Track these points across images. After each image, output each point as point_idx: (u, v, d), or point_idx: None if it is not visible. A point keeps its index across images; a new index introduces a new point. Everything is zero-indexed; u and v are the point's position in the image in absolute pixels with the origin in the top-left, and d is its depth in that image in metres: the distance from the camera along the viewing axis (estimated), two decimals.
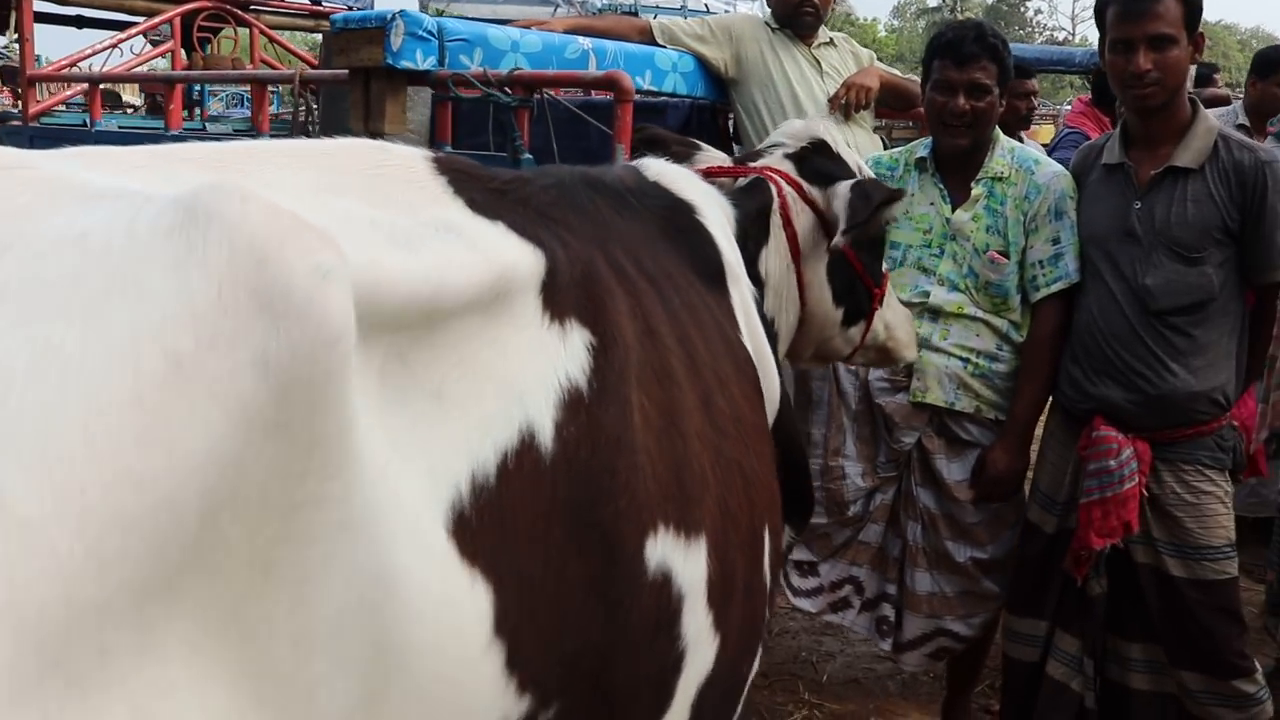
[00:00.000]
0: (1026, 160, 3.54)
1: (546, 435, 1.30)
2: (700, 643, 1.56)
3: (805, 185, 2.59)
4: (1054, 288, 3.43)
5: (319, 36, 8.11)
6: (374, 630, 1.06)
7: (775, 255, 2.53)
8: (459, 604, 1.17)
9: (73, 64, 5.81)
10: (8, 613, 0.77)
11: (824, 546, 3.79)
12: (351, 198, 1.27)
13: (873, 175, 2.85)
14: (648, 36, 4.37)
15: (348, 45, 3.43)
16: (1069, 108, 9.30)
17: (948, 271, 3.52)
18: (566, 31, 4.06)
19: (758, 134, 4.41)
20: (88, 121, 5.38)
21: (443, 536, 1.16)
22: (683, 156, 2.61)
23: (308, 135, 3.90)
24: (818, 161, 2.65)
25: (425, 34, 3.35)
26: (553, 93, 3.34)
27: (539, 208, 1.58)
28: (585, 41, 3.86)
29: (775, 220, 2.53)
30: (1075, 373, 3.37)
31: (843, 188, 2.56)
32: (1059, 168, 3.53)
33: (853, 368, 3.60)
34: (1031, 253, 3.45)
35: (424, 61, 3.35)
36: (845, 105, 4.31)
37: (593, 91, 4.75)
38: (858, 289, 2.76)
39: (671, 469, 1.52)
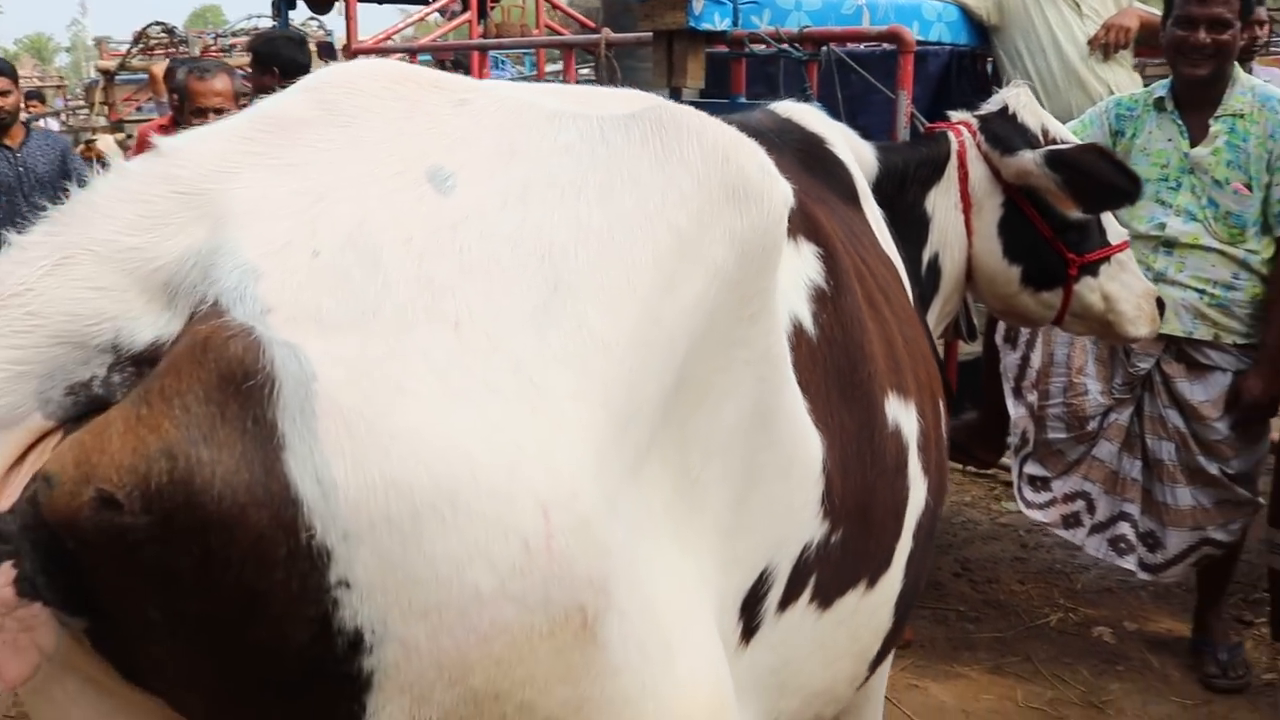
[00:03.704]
0: (1269, 98, 3.74)
1: (809, 322, 1.68)
2: (917, 482, 1.97)
3: (983, 141, 2.97)
4: None
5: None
6: (749, 448, 1.42)
7: (943, 195, 2.93)
8: (806, 442, 1.57)
9: (387, 38, 6.58)
10: (605, 405, 1.09)
11: (1057, 463, 4.11)
12: None
13: (1069, 138, 3.11)
14: None
15: (653, 10, 3.95)
16: None
17: (1186, 203, 3.77)
18: None
19: (1021, 76, 4.70)
20: None
21: (796, 386, 1.55)
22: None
23: None
24: (997, 124, 3.02)
25: None
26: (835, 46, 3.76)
27: None
28: None
29: (952, 163, 2.94)
30: None
31: (1028, 158, 2.90)
32: None
33: None
34: (1278, 189, 3.67)
35: (720, 23, 3.83)
36: (1104, 46, 4.56)
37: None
38: (1043, 252, 3.01)
39: (885, 346, 1.92)
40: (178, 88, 4.53)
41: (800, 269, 1.75)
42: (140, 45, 13.57)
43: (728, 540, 1.41)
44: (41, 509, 0.94)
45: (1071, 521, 4.10)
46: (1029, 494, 4.16)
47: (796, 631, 1.65)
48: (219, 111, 4.39)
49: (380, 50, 6.74)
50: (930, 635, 4.38)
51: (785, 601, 1.59)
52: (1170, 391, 3.85)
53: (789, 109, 2.47)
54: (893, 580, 1.92)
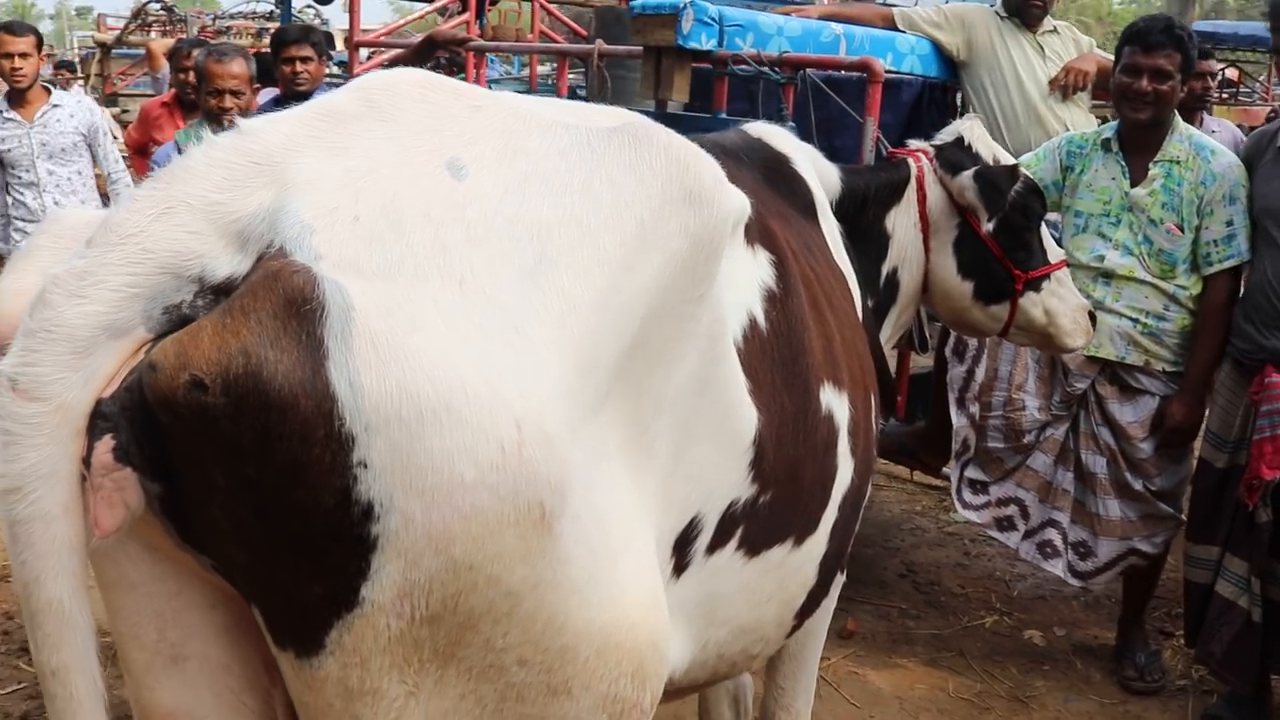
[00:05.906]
0: (1203, 148, 4.07)
1: (760, 318, 1.99)
2: (844, 461, 2.26)
3: (939, 168, 3.25)
4: (1227, 264, 4.00)
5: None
6: (689, 409, 1.71)
7: (904, 216, 3.20)
8: (740, 413, 1.85)
9: (390, 32, 6.83)
10: (574, 353, 1.40)
11: (996, 469, 4.42)
12: None
13: (1011, 164, 3.36)
14: (890, 23, 5.00)
15: (644, 27, 4.20)
16: None
17: (1124, 238, 4.09)
18: (820, 18, 4.74)
19: (984, 110, 5.00)
20: None
21: (736, 365, 1.84)
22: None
23: (603, 102, 4.71)
24: (951, 151, 3.29)
25: (709, 20, 4.09)
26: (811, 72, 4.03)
27: None
28: (837, 27, 4.54)
29: (911, 188, 3.22)
30: (1248, 329, 3.88)
31: (965, 176, 3.19)
32: (1233, 158, 4.06)
33: None
34: (1206, 233, 4.00)
35: (706, 43, 4.09)
36: (1064, 87, 4.86)
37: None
38: (993, 269, 3.28)
39: (824, 343, 2.22)
40: (196, 68, 4.76)
41: (756, 273, 2.04)
42: (139, 21, 13.78)
43: (667, 485, 1.69)
44: (145, 389, 1.23)
45: (1005, 525, 4.39)
46: (967, 495, 4.45)
47: (723, 573, 1.94)
48: (235, 93, 4.61)
49: (382, 44, 6.98)
50: (873, 629, 4.66)
51: (713, 546, 1.89)
52: (1103, 411, 4.15)
53: (760, 129, 2.74)
54: (818, 542, 2.21)
